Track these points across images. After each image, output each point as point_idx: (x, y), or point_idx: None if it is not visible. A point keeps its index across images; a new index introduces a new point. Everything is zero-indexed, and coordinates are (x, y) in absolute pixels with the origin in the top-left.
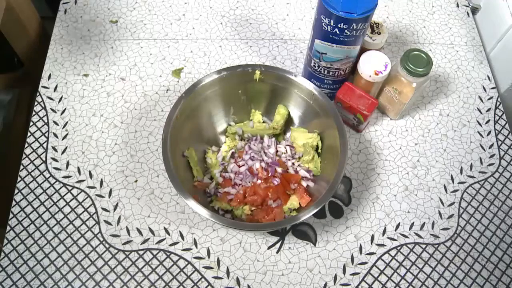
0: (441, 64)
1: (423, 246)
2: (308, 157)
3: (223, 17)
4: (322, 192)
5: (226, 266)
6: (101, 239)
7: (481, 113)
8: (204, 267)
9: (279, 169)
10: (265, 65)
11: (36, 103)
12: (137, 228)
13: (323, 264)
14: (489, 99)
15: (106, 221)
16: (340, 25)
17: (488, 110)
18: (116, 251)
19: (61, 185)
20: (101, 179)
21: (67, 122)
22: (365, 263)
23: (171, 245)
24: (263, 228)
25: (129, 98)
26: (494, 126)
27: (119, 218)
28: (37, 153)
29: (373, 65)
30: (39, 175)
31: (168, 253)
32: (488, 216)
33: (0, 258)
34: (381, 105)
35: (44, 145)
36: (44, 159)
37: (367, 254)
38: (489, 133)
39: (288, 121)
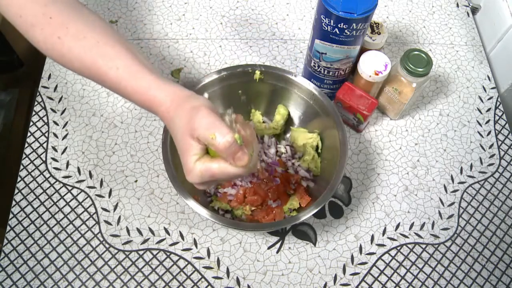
0: (441, 64)
1: (423, 246)
2: (308, 157)
3: (223, 17)
4: (322, 192)
5: (226, 266)
6: (101, 239)
7: (481, 113)
8: (204, 267)
9: (279, 169)
10: (265, 65)
11: (36, 103)
12: (137, 228)
13: (323, 264)
14: (489, 99)
15: (106, 221)
16: (340, 25)
17: (488, 110)
18: (116, 251)
19: (61, 185)
20: (101, 179)
21: (67, 122)
22: (365, 263)
23: (171, 245)
24: (263, 228)
25: None
26: (494, 126)
27: (119, 218)
28: (37, 153)
29: (373, 65)
30: (39, 175)
31: (168, 253)
32: (488, 216)
33: (0, 258)
34: (381, 105)
35: (44, 145)
36: (44, 159)
37: (367, 254)
38: (489, 133)
39: (288, 121)
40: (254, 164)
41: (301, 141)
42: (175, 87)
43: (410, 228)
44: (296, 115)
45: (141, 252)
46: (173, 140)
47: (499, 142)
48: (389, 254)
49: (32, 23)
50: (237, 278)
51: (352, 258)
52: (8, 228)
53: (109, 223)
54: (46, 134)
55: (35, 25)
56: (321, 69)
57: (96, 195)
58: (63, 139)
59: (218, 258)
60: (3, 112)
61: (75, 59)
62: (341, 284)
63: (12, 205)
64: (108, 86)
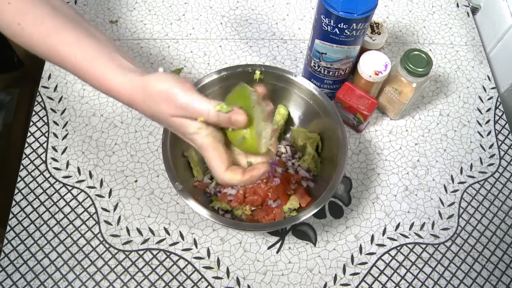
0: (441, 64)
1: (423, 246)
2: (308, 157)
3: (223, 17)
4: (322, 192)
5: (226, 266)
6: (101, 239)
7: (481, 113)
8: (204, 267)
9: (279, 169)
10: (265, 65)
11: (36, 103)
12: (137, 228)
13: (323, 264)
14: (489, 99)
15: (106, 221)
16: (340, 25)
17: (488, 110)
18: (116, 251)
19: (61, 185)
20: (101, 179)
21: (67, 122)
22: (365, 263)
23: (171, 245)
24: (263, 228)
25: None
26: (494, 126)
27: (119, 218)
28: (37, 153)
29: (373, 65)
30: (39, 175)
31: (168, 253)
32: (488, 216)
33: (0, 258)
34: (381, 105)
35: (44, 145)
36: (44, 159)
37: (367, 254)
38: (489, 133)
39: (288, 121)
40: (266, 146)
41: (301, 141)
42: (126, 77)
43: (410, 228)
44: (296, 115)
45: (141, 252)
46: (173, 140)
47: (499, 142)
48: (389, 254)
49: None
50: (237, 278)
51: (352, 258)
52: (8, 228)
53: (109, 223)
54: (46, 134)
55: None
56: (321, 69)
57: (96, 195)
58: (63, 139)
59: (218, 258)
60: (3, 112)
61: (36, 45)
62: (341, 284)
63: (12, 205)
64: (71, 72)
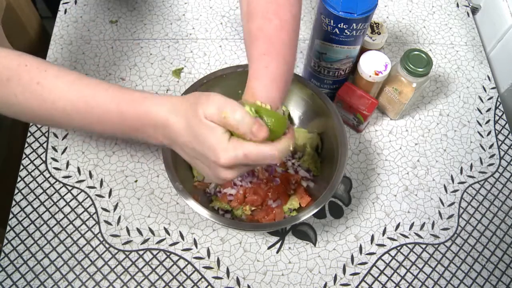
0: (441, 64)
1: (423, 246)
2: (308, 157)
3: (223, 17)
4: (322, 192)
5: (226, 266)
6: (101, 239)
7: (481, 113)
8: (204, 267)
9: (279, 169)
10: None
11: None
12: (137, 228)
13: (323, 264)
14: (489, 99)
15: (106, 221)
16: (340, 25)
17: (488, 110)
18: (116, 251)
19: (61, 185)
20: (101, 179)
21: None
22: (365, 263)
23: (171, 245)
24: (263, 228)
25: None
26: (494, 126)
27: (119, 218)
28: (37, 153)
29: (373, 65)
30: (39, 175)
31: (168, 253)
32: (488, 216)
33: (0, 258)
34: (381, 105)
35: (44, 145)
36: (44, 159)
37: (367, 254)
38: (489, 133)
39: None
40: (285, 146)
41: (301, 141)
42: (170, 96)
43: (410, 228)
44: (296, 115)
45: (141, 252)
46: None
47: (499, 142)
48: (389, 254)
49: (8, 77)
50: (237, 278)
51: (352, 258)
52: (8, 228)
53: (109, 223)
54: (46, 134)
55: (11, 78)
56: (321, 69)
57: (96, 195)
58: (63, 139)
59: (218, 258)
60: None
61: (58, 98)
62: (341, 284)
63: (12, 205)
64: (96, 114)
